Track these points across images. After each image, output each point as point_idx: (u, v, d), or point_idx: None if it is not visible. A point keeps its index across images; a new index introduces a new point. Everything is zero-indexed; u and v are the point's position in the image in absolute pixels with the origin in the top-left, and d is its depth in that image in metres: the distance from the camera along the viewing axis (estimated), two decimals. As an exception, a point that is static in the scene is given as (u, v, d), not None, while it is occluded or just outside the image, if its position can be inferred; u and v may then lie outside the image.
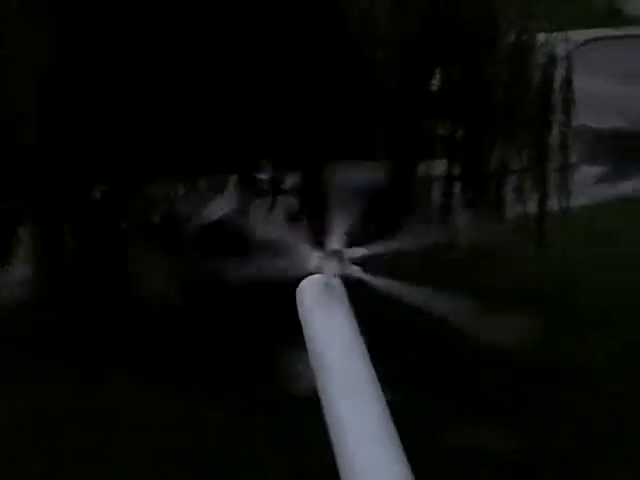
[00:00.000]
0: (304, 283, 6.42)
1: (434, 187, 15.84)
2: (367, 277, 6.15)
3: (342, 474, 5.09)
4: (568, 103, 16.33)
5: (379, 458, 5.00)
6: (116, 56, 14.10)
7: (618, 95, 29.94)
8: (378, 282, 6.24)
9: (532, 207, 16.41)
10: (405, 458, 5.10)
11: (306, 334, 6.13)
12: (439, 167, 16.03)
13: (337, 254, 6.19)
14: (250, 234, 10.74)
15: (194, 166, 15.73)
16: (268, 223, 11.38)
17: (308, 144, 14.74)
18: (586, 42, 32.66)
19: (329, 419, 5.49)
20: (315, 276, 6.31)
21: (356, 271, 6.14)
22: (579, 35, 28.53)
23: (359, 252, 6.23)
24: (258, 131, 15.13)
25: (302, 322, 6.27)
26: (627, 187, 23.95)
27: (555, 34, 16.30)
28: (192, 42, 14.32)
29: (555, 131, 16.40)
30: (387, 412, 5.48)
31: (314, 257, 6.25)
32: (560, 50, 16.38)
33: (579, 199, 18.01)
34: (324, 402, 5.57)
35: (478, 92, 15.00)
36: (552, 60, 15.76)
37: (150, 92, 14.28)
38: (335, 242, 6.23)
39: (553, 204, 16.70)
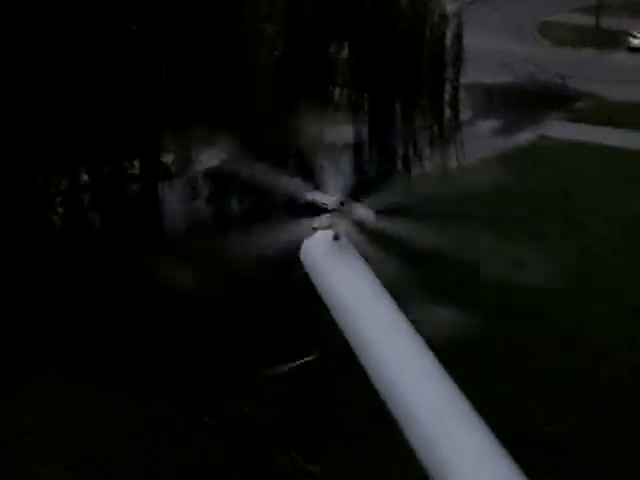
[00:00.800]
0: (311, 239, 6.28)
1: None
2: (376, 228, 6.01)
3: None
4: (459, 60, 16.77)
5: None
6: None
7: (505, 51, 30.86)
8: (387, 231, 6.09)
9: (432, 163, 16.84)
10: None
11: (322, 287, 5.99)
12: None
13: (344, 209, 6.07)
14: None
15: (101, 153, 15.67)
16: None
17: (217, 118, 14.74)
18: (473, 1, 33.52)
19: (370, 365, 5.32)
20: (322, 232, 6.19)
21: (365, 223, 6.00)
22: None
23: (365, 206, 6.13)
24: (157, 113, 15.10)
25: (313, 276, 6.12)
26: (521, 138, 24.77)
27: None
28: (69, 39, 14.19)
29: (449, 88, 16.83)
30: (431, 355, 5.27)
31: (320, 213, 6.14)
32: (450, 9, 16.79)
33: (477, 152, 18.59)
34: (362, 351, 5.45)
35: (377, 55, 15.19)
36: (444, 19, 16.14)
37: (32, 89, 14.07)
38: (340, 198, 6.10)
39: (452, 158, 17.20)
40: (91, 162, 16.44)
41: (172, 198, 16.91)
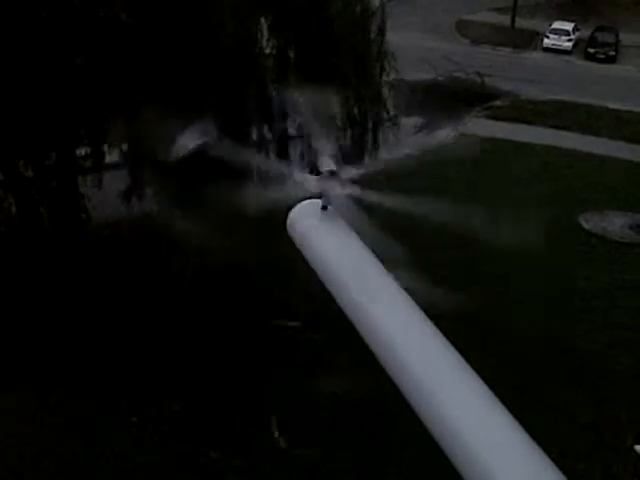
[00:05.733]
0: (298, 208, 6.09)
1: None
2: (365, 194, 5.86)
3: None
4: (384, 55, 16.81)
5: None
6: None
7: (424, 48, 31.26)
8: (375, 198, 5.94)
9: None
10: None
11: (310, 257, 5.90)
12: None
13: (332, 175, 5.89)
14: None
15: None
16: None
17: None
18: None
19: (365, 329, 5.18)
20: (308, 200, 6.02)
21: (354, 190, 5.85)
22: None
23: (352, 172, 5.96)
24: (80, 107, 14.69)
25: (301, 244, 5.96)
26: (442, 135, 25.09)
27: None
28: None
29: (376, 85, 16.89)
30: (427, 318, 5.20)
31: (308, 181, 5.96)
32: (373, 6, 16.81)
33: (402, 149, 18.71)
34: (359, 323, 5.31)
35: (310, 51, 15.01)
36: (369, 16, 16.13)
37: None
38: (328, 164, 5.91)
39: (379, 156, 17.29)
40: (6, 156, 15.94)
41: (94, 192, 16.50)
